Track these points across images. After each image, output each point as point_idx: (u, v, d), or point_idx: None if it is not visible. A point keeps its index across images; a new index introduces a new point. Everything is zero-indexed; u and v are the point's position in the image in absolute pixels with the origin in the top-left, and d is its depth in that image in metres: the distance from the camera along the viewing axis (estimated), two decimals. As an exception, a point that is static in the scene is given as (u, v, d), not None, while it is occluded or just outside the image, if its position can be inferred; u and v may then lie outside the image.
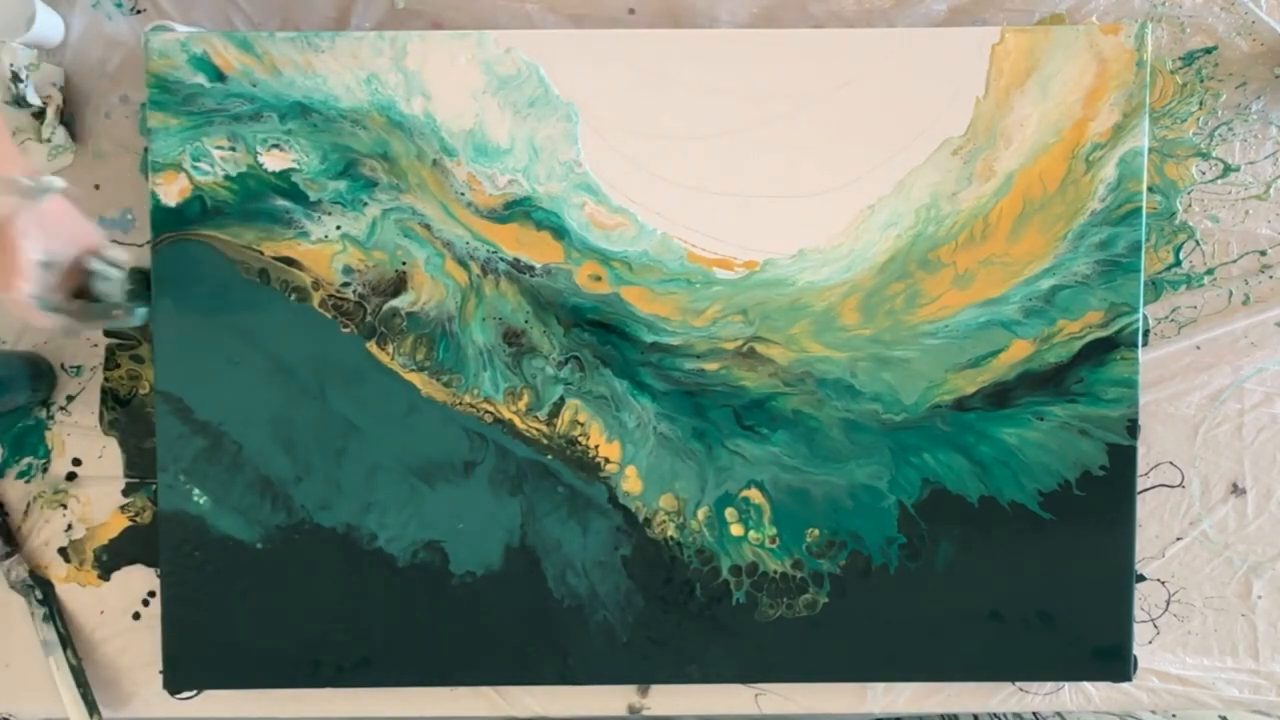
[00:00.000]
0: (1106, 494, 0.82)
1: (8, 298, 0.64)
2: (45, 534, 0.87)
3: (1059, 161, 0.81)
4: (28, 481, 0.87)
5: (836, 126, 0.81)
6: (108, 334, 0.86)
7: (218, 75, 0.79)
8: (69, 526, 0.86)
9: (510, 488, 0.82)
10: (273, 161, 0.80)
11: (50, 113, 0.82)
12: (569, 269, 0.81)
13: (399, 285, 0.81)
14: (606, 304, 0.81)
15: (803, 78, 0.80)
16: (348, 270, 0.81)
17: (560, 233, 0.81)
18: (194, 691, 0.87)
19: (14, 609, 0.86)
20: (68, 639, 0.85)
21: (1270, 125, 0.86)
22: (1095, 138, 0.80)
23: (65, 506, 0.86)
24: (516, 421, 0.82)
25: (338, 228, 0.81)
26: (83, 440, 0.86)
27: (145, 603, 0.87)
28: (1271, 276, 0.87)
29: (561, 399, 0.82)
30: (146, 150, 0.81)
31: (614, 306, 0.81)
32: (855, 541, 0.82)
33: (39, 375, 0.84)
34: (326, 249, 0.81)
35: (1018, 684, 0.88)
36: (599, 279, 0.81)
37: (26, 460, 0.86)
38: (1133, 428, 0.81)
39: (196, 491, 0.81)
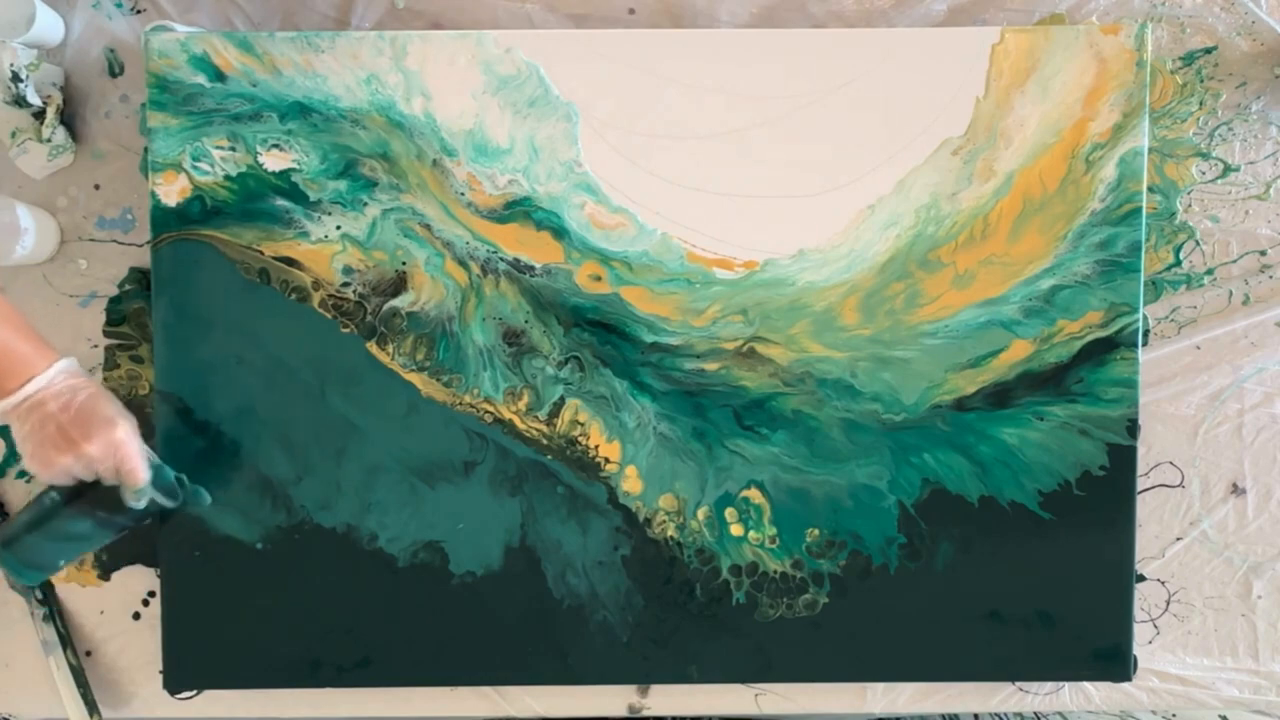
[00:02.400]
0: (1106, 494, 0.82)
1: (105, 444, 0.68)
2: (45, 534, 0.87)
3: (1059, 161, 0.81)
4: (28, 482, 0.87)
5: (836, 126, 0.81)
6: (107, 334, 0.86)
7: (218, 75, 0.79)
8: (69, 526, 0.86)
9: (510, 488, 0.82)
10: (273, 161, 0.80)
11: (50, 113, 0.82)
12: (569, 269, 0.81)
13: (399, 285, 0.81)
14: (606, 304, 0.81)
15: (803, 78, 0.80)
16: (348, 270, 0.81)
17: (560, 233, 0.81)
18: (194, 691, 0.87)
19: (14, 609, 0.86)
20: (68, 639, 0.85)
21: (1270, 125, 0.86)
22: (1095, 138, 0.80)
23: (65, 506, 0.86)
24: (516, 421, 0.82)
25: (338, 228, 0.81)
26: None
27: (145, 603, 0.87)
28: (1271, 276, 0.87)
29: (561, 399, 0.82)
30: (146, 150, 0.81)
31: (614, 306, 0.81)
32: (855, 541, 0.82)
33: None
34: (326, 249, 0.81)
35: (1018, 684, 0.88)
36: (599, 279, 0.81)
37: (26, 460, 0.86)
38: (1133, 428, 0.81)
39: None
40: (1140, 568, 0.87)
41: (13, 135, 0.82)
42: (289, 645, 0.83)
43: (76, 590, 0.87)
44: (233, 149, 0.80)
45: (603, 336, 0.81)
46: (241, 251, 0.80)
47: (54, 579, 0.86)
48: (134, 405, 0.85)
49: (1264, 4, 0.85)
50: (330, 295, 0.81)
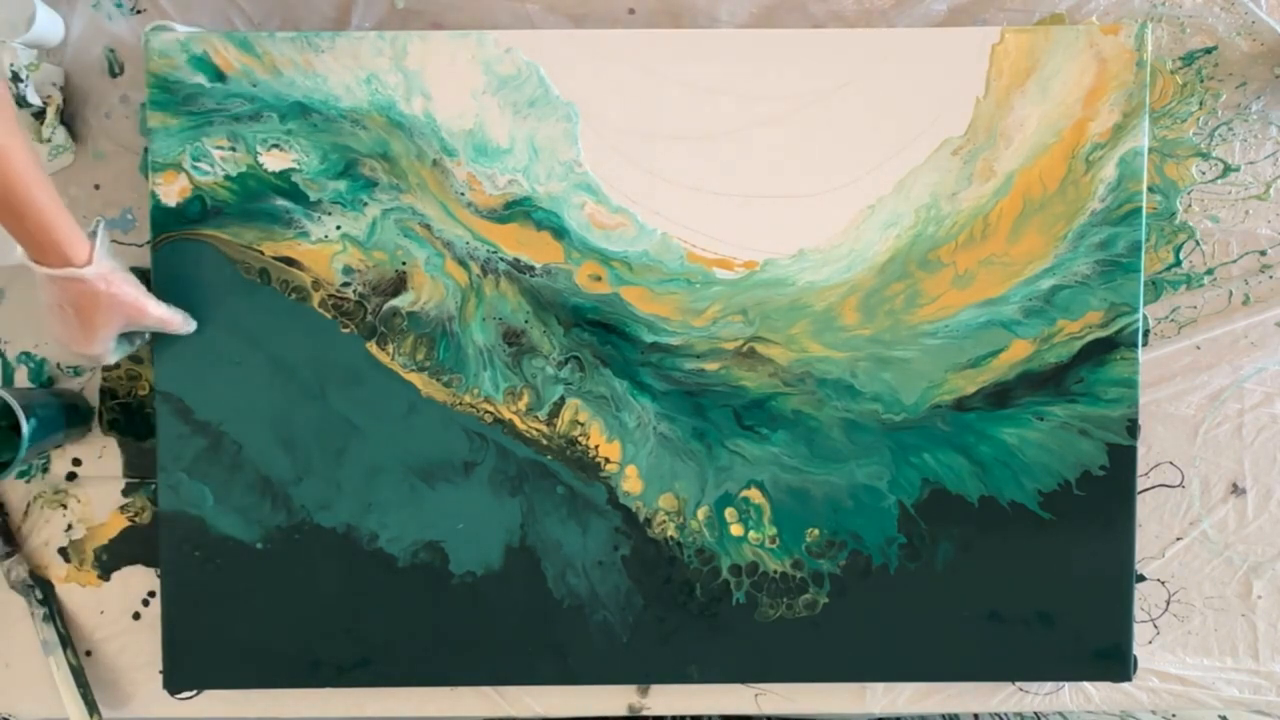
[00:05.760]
0: (1106, 494, 0.82)
1: (78, 353, 0.76)
2: (45, 534, 0.87)
3: (1059, 161, 0.81)
4: (28, 481, 0.87)
5: (836, 126, 0.81)
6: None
7: (218, 75, 0.79)
8: (69, 526, 0.86)
9: (510, 488, 0.82)
10: (273, 161, 0.80)
11: (50, 113, 0.82)
12: (569, 269, 0.81)
13: (399, 285, 0.81)
14: (606, 304, 0.81)
15: (803, 78, 0.80)
16: (348, 270, 0.81)
17: (560, 233, 0.81)
18: (194, 691, 0.87)
19: (14, 609, 0.86)
20: (68, 639, 0.85)
21: (1270, 125, 0.86)
22: (1095, 138, 0.80)
23: (65, 506, 0.86)
24: (516, 421, 0.82)
25: (338, 228, 0.81)
26: (82, 440, 0.86)
27: (145, 603, 0.87)
28: (1271, 276, 0.87)
29: (561, 399, 0.82)
30: (146, 150, 0.81)
31: (614, 306, 0.81)
32: (855, 541, 0.82)
33: (76, 414, 0.84)
34: (326, 249, 0.81)
35: (1018, 684, 0.88)
36: (599, 279, 0.81)
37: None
38: (1133, 428, 0.81)
39: (197, 491, 0.81)
40: (1140, 568, 0.87)
41: (13, 135, 0.83)
42: (289, 645, 0.83)
43: (76, 590, 0.87)
44: (233, 149, 0.80)
45: (603, 336, 0.81)
46: (241, 251, 0.80)
47: (54, 579, 0.86)
48: (133, 405, 0.86)
49: (1264, 4, 0.85)
50: (330, 295, 0.81)
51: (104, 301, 0.71)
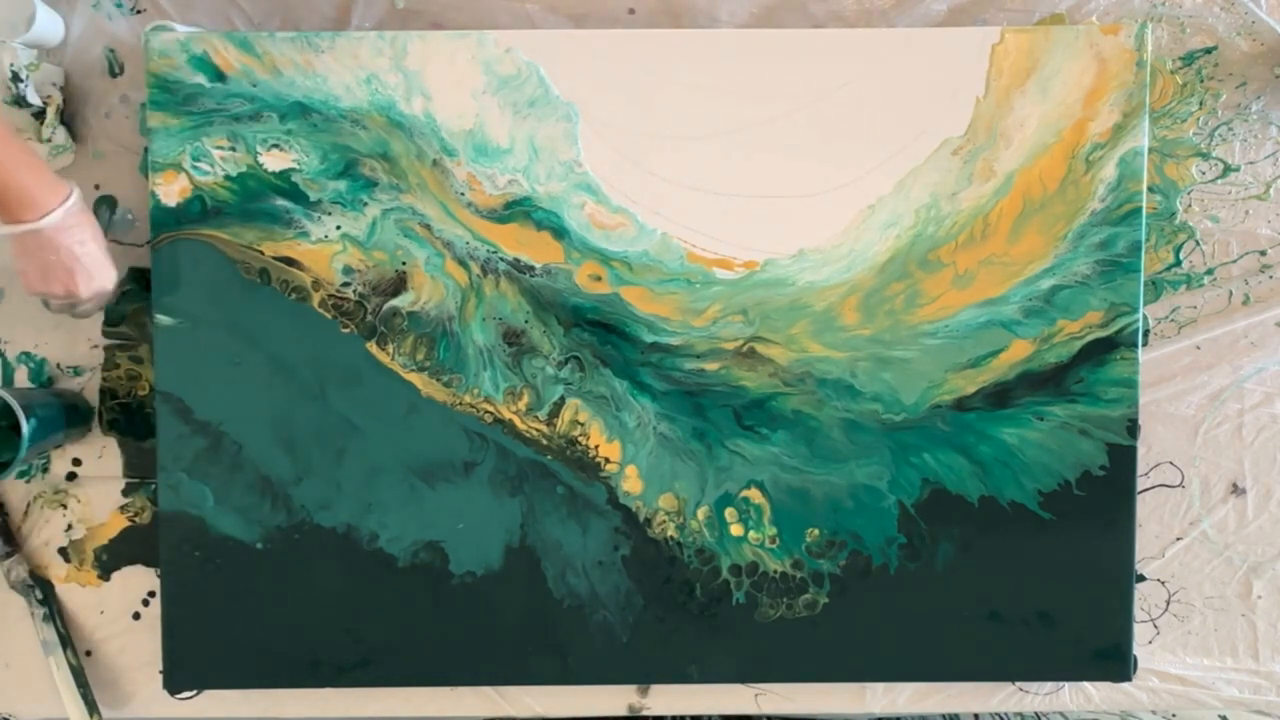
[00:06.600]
0: (1106, 494, 0.82)
1: (95, 292, 0.75)
2: (45, 534, 0.87)
3: (1059, 161, 0.81)
4: (28, 481, 0.87)
5: (836, 126, 0.81)
6: (107, 334, 0.86)
7: (218, 75, 0.79)
8: (69, 526, 0.86)
9: (510, 488, 0.82)
10: (273, 161, 0.80)
11: (50, 113, 0.82)
12: (569, 269, 0.81)
13: (399, 285, 0.81)
14: (606, 304, 0.81)
15: (803, 78, 0.80)
16: (348, 270, 0.81)
17: (560, 233, 0.81)
18: (194, 691, 0.87)
19: (14, 609, 0.86)
20: (68, 639, 0.85)
21: (1270, 125, 0.86)
22: (1095, 138, 0.80)
23: (65, 506, 0.86)
24: (516, 421, 0.82)
25: (338, 228, 0.81)
26: (82, 440, 0.86)
27: (145, 603, 0.87)
28: (1271, 276, 0.87)
29: (561, 399, 0.82)
30: (146, 150, 0.81)
31: (614, 306, 0.81)
32: (855, 541, 0.82)
33: (76, 414, 0.84)
34: (326, 249, 0.81)
35: (1018, 684, 0.88)
36: (599, 279, 0.81)
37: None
38: (1133, 428, 0.81)
39: (197, 491, 0.81)
40: (1140, 568, 0.87)
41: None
42: (289, 645, 0.83)
43: (76, 590, 0.87)
44: (233, 149, 0.80)
45: (603, 336, 0.81)
46: (241, 251, 0.80)
47: (54, 579, 0.86)
48: (133, 405, 0.86)
49: (1264, 4, 0.85)
50: (330, 295, 0.81)
51: (92, 225, 0.75)
